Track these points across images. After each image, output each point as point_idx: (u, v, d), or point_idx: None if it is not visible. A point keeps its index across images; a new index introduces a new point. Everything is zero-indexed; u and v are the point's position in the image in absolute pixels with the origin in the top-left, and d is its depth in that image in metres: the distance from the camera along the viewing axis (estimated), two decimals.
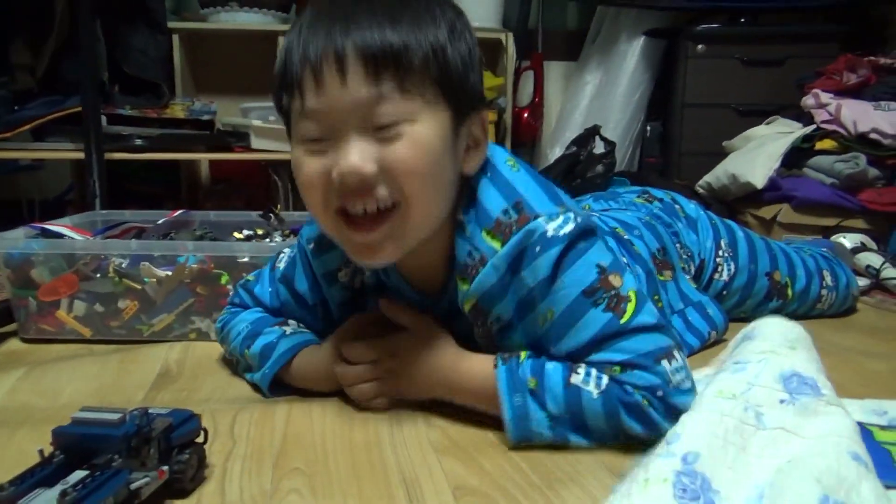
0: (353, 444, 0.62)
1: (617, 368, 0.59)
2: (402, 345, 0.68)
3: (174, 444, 0.53)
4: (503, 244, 0.62)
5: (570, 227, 0.61)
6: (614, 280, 0.62)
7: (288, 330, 0.77)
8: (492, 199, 0.64)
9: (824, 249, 1.16)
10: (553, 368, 0.62)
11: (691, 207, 1.03)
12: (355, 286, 0.75)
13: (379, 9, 0.57)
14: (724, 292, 1.00)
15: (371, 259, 0.63)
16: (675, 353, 0.61)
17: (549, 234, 0.61)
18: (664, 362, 0.59)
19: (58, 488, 0.45)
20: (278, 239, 1.11)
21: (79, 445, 0.50)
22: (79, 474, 0.47)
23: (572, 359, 0.62)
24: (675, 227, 0.97)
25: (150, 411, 0.53)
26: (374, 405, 0.69)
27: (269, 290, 0.80)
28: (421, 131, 0.58)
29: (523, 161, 0.69)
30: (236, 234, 1.15)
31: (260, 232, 1.15)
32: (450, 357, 0.67)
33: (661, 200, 1.02)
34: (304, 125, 0.59)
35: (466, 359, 0.67)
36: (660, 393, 0.58)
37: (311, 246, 0.75)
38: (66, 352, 0.91)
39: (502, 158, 0.67)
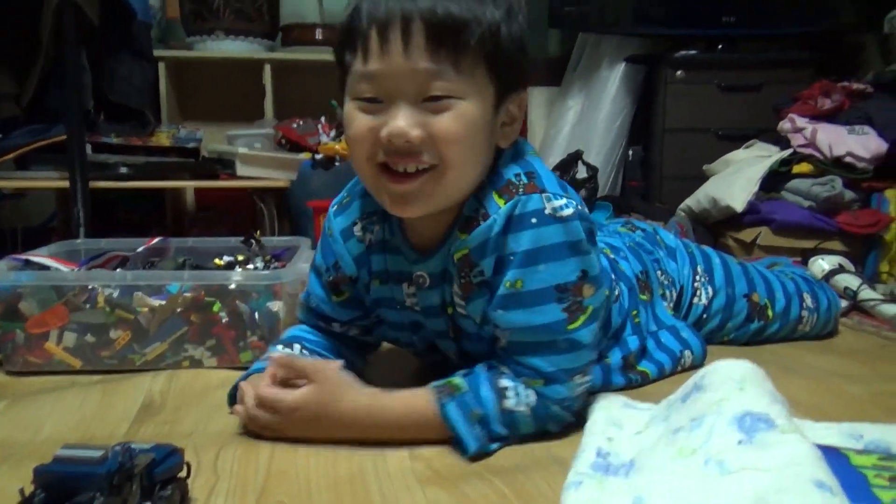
0: (337, 478, 0.62)
1: (541, 381, 0.67)
2: (309, 398, 0.68)
3: (157, 480, 0.53)
4: (506, 203, 0.66)
5: (569, 211, 0.66)
6: (587, 290, 0.68)
7: (279, 349, 0.79)
8: (509, 165, 0.70)
9: (807, 271, 1.18)
10: (486, 395, 0.67)
11: (670, 238, 1.07)
12: (366, 242, 0.78)
13: None
14: (705, 316, 1.02)
15: (404, 208, 0.68)
16: (588, 369, 0.71)
17: (547, 211, 0.66)
18: (577, 377, 0.69)
19: None
20: (260, 265, 1.12)
21: (60, 484, 0.49)
22: None
23: (510, 344, 0.68)
24: (657, 255, 1.00)
25: (132, 447, 0.53)
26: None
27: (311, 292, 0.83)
28: (467, 107, 0.63)
29: None
30: (217, 261, 1.15)
31: (241, 258, 1.15)
32: (363, 398, 0.68)
33: (643, 230, 1.06)
34: (362, 85, 0.64)
35: (386, 397, 0.69)
36: (567, 403, 0.69)
37: (335, 207, 0.80)
38: (49, 384, 0.90)
39: (528, 147, 0.74)
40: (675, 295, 0.99)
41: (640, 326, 0.90)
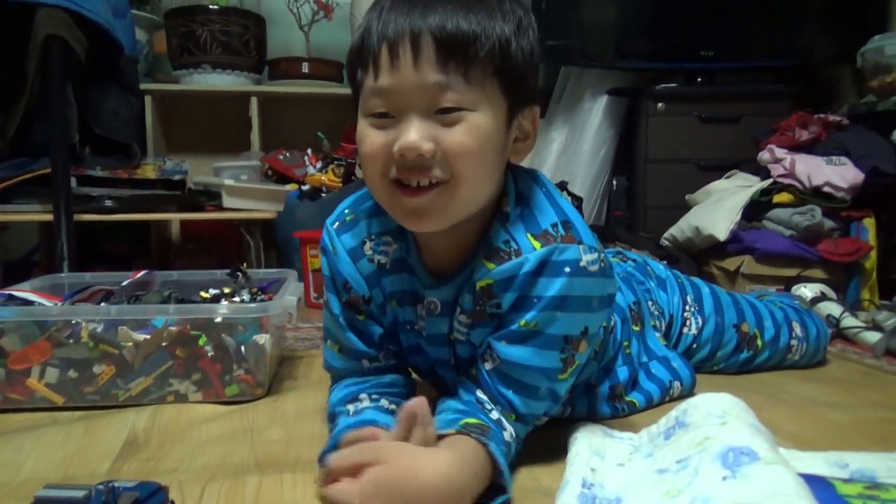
0: None
1: (513, 417, 0.69)
2: (389, 451, 0.60)
3: None
4: (542, 247, 0.67)
5: (597, 267, 0.67)
6: (582, 346, 0.69)
7: (351, 409, 0.74)
8: (545, 212, 0.69)
9: (796, 301, 1.20)
10: (497, 429, 0.66)
11: (660, 268, 1.08)
12: (377, 262, 0.76)
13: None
14: (695, 345, 1.03)
15: (418, 222, 0.67)
16: (550, 412, 0.73)
17: (581, 263, 0.66)
18: (538, 420, 0.72)
19: None
20: (246, 297, 1.11)
21: None
22: None
23: (496, 371, 0.69)
24: (647, 285, 1.01)
25: (115, 486, 0.52)
26: None
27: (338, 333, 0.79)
28: (479, 119, 0.63)
29: None
30: (203, 294, 1.14)
31: (227, 290, 1.15)
32: (444, 471, 0.59)
33: (633, 261, 1.07)
34: (374, 101, 0.64)
35: (450, 451, 0.61)
36: (524, 436, 0.71)
37: (336, 225, 0.78)
38: (29, 421, 0.89)
39: (551, 184, 0.74)
40: (664, 325, 1.00)
41: (631, 357, 0.90)
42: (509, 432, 0.68)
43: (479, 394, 0.70)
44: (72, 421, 0.88)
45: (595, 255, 0.67)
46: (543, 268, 0.66)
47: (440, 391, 0.79)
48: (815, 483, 0.59)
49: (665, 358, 0.94)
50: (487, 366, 0.70)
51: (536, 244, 0.67)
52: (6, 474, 0.72)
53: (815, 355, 1.13)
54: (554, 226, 0.68)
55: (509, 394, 0.69)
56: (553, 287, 0.65)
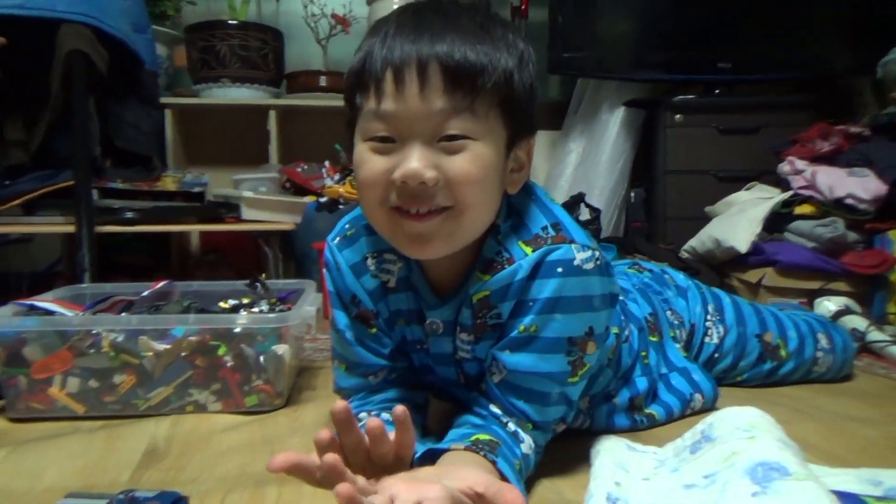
0: None
1: (530, 426, 0.69)
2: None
3: None
4: (534, 251, 0.67)
5: (592, 265, 0.66)
6: (589, 347, 0.69)
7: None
8: (534, 218, 0.70)
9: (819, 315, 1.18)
10: (511, 443, 0.66)
11: (681, 278, 1.07)
12: (381, 280, 0.76)
13: (463, 29, 0.62)
14: (717, 355, 1.02)
15: (421, 249, 0.66)
16: (568, 418, 0.73)
17: (575, 262, 0.66)
18: (557, 426, 0.72)
19: None
20: (265, 307, 1.11)
21: None
22: None
23: (505, 383, 0.68)
24: (665, 295, 1.00)
25: (136, 495, 0.52)
26: None
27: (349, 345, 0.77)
28: (482, 149, 0.63)
29: None
30: (222, 304, 1.15)
31: (246, 301, 1.15)
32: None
33: (650, 271, 1.06)
34: (375, 125, 0.63)
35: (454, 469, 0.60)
36: (545, 444, 0.71)
37: (337, 241, 0.78)
38: (51, 430, 0.89)
39: (543, 192, 0.74)
40: (685, 334, 0.99)
41: (650, 368, 0.89)
42: (527, 444, 0.67)
43: (493, 408, 0.69)
44: (93, 430, 0.89)
45: (589, 254, 0.67)
46: (537, 271, 0.66)
47: (456, 409, 0.78)
48: (848, 500, 0.58)
49: (685, 369, 0.93)
50: (495, 378, 0.69)
51: (528, 249, 0.67)
52: (28, 482, 0.72)
53: (843, 369, 1.10)
54: (544, 228, 0.68)
55: (520, 404, 0.68)
56: (547, 288, 0.65)
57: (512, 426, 0.68)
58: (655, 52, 2.33)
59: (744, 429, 0.64)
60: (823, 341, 1.08)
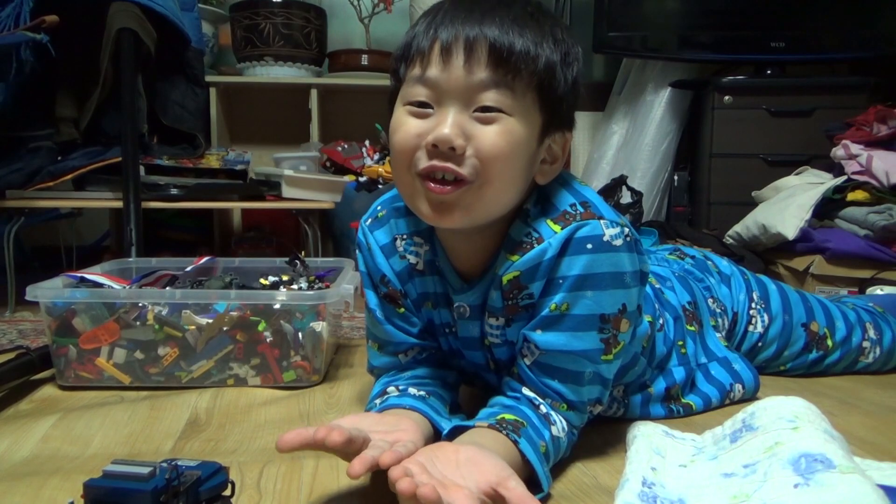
0: (378, 500, 0.62)
1: (564, 406, 0.68)
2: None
3: (202, 497, 0.53)
4: (563, 229, 0.66)
5: (621, 241, 0.66)
6: (623, 325, 0.68)
7: (378, 403, 0.74)
8: (562, 197, 0.69)
9: (871, 304, 1.13)
10: (540, 424, 0.66)
11: (724, 264, 1.04)
12: (410, 262, 0.77)
13: (514, 14, 0.64)
14: (760, 343, 1.00)
15: (441, 218, 0.66)
16: (603, 399, 0.72)
17: (605, 238, 0.65)
18: (593, 407, 0.71)
19: None
20: (304, 285, 1.13)
21: (109, 499, 0.50)
22: None
23: (538, 364, 0.68)
24: (707, 282, 0.98)
25: (179, 464, 0.53)
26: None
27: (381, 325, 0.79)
28: (513, 125, 0.63)
29: None
30: (262, 280, 1.17)
31: (286, 278, 1.17)
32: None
33: (692, 258, 1.04)
34: (416, 89, 0.65)
35: (483, 444, 0.61)
36: (581, 425, 0.71)
37: (369, 222, 0.79)
38: (98, 399, 0.92)
39: (572, 177, 0.74)
40: (728, 322, 0.97)
41: (688, 357, 0.87)
42: (559, 426, 0.67)
43: (526, 391, 0.69)
44: (137, 400, 0.92)
45: (618, 230, 0.66)
46: (566, 248, 0.66)
47: (487, 394, 0.77)
48: (895, 496, 0.56)
49: (725, 359, 0.91)
50: (527, 360, 0.69)
51: (556, 227, 0.67)
52: (77, 448, 0.75)
53: (889, 360, 1.07)
54: (572, 205, 0.68)
55: (555, 384, 0.68)
56: (577, 265, 0.65)
57: (544, 408, 0.67)
58: (703, 31, 2.26)
59: (788, 419, 0.62)
60: (871, 332, 1.04)
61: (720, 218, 2.06)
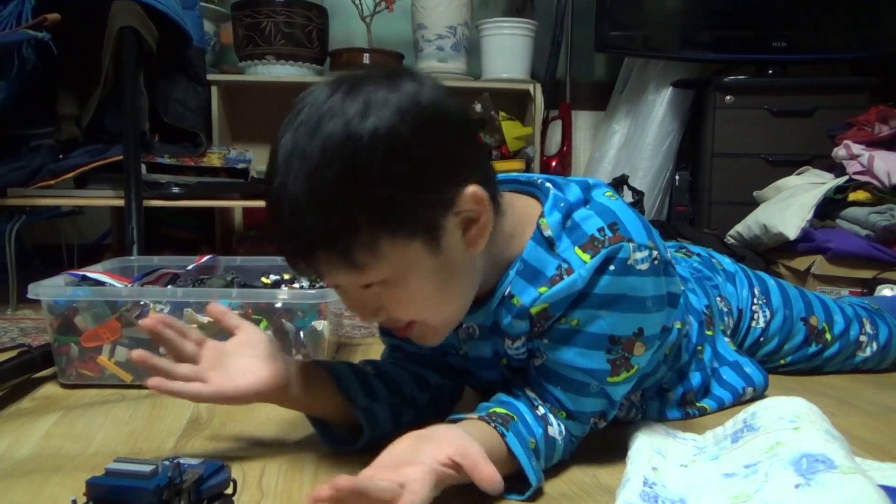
0: None
1: (564, 414, 0.67)
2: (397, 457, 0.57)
3: (204, 496, 0.53)
4: (592, 257, 0.63)
5: (646, 265, 0.64)
6: (637, 349, 0.66)
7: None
8: (589, 219, 0.65)
9: (866, 302, 1.14)
10: (533, 422, 0.65)
11: (727, 262, 1.04)
12: None
13: (304, 202, 0.56)
14: (762, 339, 1.00)
15: (424, 342, 0.68)
16: (608, 415, 0.70)
17: (629, 261, 0.63)
18: (597, 421, 0.70)
19: None
20: (305, 284, 1.13)
21: (111, 497, 0.50)
22: None
23: (544, 368, 0.67)
24: (715, 280, 0.98)
25: (181, 462, 0.54)
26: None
27: None
28: (398, 287, 0.60)
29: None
30: (264, 279, 1.17)
31: (287, 277, 1.17)
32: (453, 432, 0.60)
33: (698, 255, 1.03)
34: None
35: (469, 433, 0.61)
36: (580, 438, 0.70)
37: None
38: (99, 397, 0.92)
39: (601, 191, 0.69)
40: (733, 322, 0.97)
41: (703, 363, 0.87)
42: (556, 428, 0.66)
43: (528, 391, 0.69)
44: (139, 398, 0.92)
45: (646, 253, 0.64)
46: (597, 273, 0.63)
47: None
48: None
49: (736, 363, 0.91)
50: (536, 362, 0.69)
51: (585, 256, 0.63)
52: (79, 446, 0.75)
53: (885, 357, 1.07)
54: (600, 230, 0.64)
55: (556, 391, 0.67)
56: (597, 285, 0.63)
57: (542, 409, 0.67)
58: (705, 31, 2.26)
59: (789, 419, 0.62)
60: (868, 326, 1.05)
61: (721, 217, 2.06)
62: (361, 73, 0.61)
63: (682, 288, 0.87)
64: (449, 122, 0.61)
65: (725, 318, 0.95)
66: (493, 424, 0.62)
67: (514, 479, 0.61)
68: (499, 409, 0.65)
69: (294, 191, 0.56)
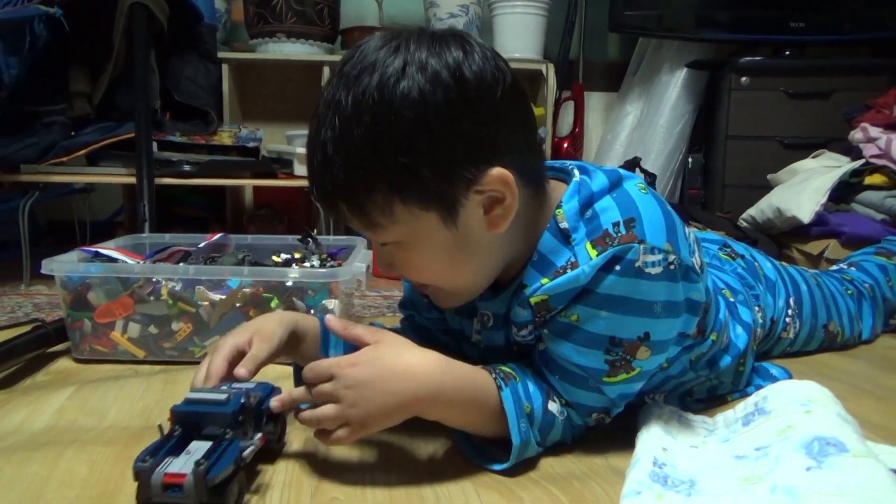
0: (391, 475, 0.62)
1: (563, 401, 0.67)
2: (367, 354, 0.60)
3: (264, 414, 0.62)
4: (600, 254, 0.61)
5: (658, 269, 0.61)
6: (641, 352, 0.64)
7: None
8: (608, 212, 0.63)
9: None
10: (534, 391, 0.64)
11: (769, 267, 1.00)
12: None
13: (331, 152, 0.58)
14: (789, 348, 1.02)
15: (440, 304, 0.71)
16: (611, 412, 0.68)
17: (637, 263, 0.60)
18: (595, 415, 0.68)
19: (184, 458, 0.52)
20: (316, 263, 1.13)
21: (193, 420, 0.57)
22: (198, 444, 0.54)
23: (546, 355, 0.66)
24: (757, 290, 0.94)
25: (245, 388, 0.61)
26: (336, 438, 0.59)
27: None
28: (410, 251, 0.62)
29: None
30: (275, 258, 1.17)
31: (298, 255, 1.17)
32: (428, 354, 0.61)
33: (742, 257, 0.99)
34: None
35: (457, 364, 0.62)
36: (582, 427, 0.69)
37: None
38: (113, 372, 0.93)
39: (633, 182, 0.66)
40: (764, 332, 0.95)
41: (744, 374, 0.83)
42: (558, 406, 0.66)
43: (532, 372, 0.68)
44: (152, 374, 0.92)
45: (659, 257, 0.61)
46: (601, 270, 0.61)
47: None
48: None
49: (769, 373, 0.88)
50: (540, 346, 0.68)
51: (594, 252, 0.61)
52: (93, 420, 0.76)
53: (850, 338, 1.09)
54: (615, 225, 0.61)
55: (553, 379, 0.66)
56: (600, 284, 0.61)
57: (547, 387, 0.66)
58: (721, 11, 2.22)
59: (801, 402, 0.62)
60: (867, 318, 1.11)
61: (734, 201, 2.05)
62: (418, 28, 0.60)
63: (732, 299, 0.85)
64: (489, 98, 0.58)
65: (759, 329, 0.92)
66: (493, 375, 0.63)
67: (502, 441, 0.62)
68: (506, 369, 0.65)
69: (325, 139, 0.58)
